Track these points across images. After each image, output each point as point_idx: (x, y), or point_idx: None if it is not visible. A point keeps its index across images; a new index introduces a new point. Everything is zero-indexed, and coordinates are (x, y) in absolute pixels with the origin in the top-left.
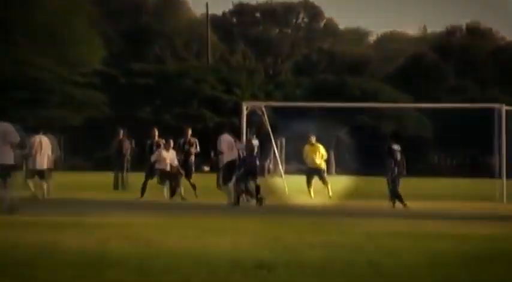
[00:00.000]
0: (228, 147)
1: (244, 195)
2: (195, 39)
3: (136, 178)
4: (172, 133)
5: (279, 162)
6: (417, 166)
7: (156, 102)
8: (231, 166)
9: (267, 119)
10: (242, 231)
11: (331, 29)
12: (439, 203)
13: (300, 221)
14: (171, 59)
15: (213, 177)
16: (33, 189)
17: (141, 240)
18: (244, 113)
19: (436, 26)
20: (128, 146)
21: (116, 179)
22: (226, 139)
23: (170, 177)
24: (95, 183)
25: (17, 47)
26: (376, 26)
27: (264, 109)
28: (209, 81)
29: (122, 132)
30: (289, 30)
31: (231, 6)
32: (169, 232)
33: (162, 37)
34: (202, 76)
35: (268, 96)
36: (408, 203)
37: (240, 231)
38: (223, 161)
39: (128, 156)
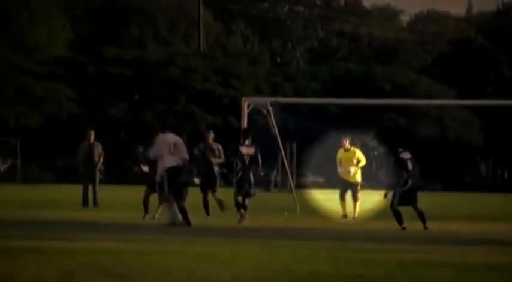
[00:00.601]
0: (170, 150)
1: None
2: (183, 18)
3: (109, 192)
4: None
5: (289, 174)
6: (462, 178)
7: (134, 98)
8: (172, 174)
9: (273, 119)
10: (241, 259)
11: (353, 7)
12: (486, 225)
13: (314, 248)
14: (153, 43)
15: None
16: None
17: (117, 271)
18: (245, 111)
19: (485, 3)
20: (99, 153)
21: (85, 193)
22: (166, 140)
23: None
24: (59, 198)
25: None
26: (410, 4)
27: (269, 106)
28: (201, 70)
29: (92, 134)
30: (302, 8)
31: None
32: (152, 260)
33: (142, 16)
34: (192, 65)
35: (275, 91)
36: (446, 223)
37: (238, 259)
38: (160, 168)
39: (99, 165)
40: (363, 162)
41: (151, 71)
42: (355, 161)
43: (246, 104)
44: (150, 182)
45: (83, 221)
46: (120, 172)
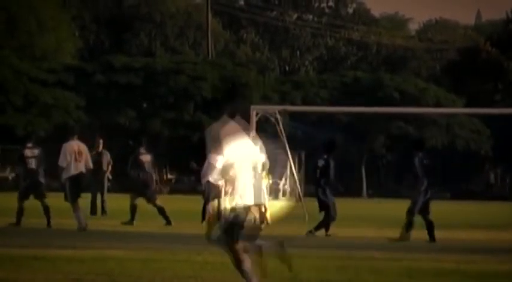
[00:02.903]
0: (75, 158)
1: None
2: (192, 26)
3: (117, 201)
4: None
5: (297, 182)
6: (470, 187)
7: (142, 106)
8: (75, 182)
9: (282, 128)
10: None
11: (362, 15)
12: (494, 233)
13: (323, 256)
14: (162, 51)
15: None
16: None
17: (124, 279)
18: (254, 119)
19: (494, 12)
20: (108, 161)
21: (94, 201)
22: (72, 147)
23: None
24: (66, 207)
25: None
26: (418, 12)
27: (278, 115)
28: (209, 79)
29: (101, 143)
30: (310, 17)
31: None
32: (160, 268)
33: (151, 24)
34: (201, 73)
35: (284, 99)
36: (455, 232)
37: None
38: (64, 176)
39: (108, 174)
40: None
41: (159, 79)
42: None
43: (254, 113)
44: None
45: (91, 229)
46: (129, 180)
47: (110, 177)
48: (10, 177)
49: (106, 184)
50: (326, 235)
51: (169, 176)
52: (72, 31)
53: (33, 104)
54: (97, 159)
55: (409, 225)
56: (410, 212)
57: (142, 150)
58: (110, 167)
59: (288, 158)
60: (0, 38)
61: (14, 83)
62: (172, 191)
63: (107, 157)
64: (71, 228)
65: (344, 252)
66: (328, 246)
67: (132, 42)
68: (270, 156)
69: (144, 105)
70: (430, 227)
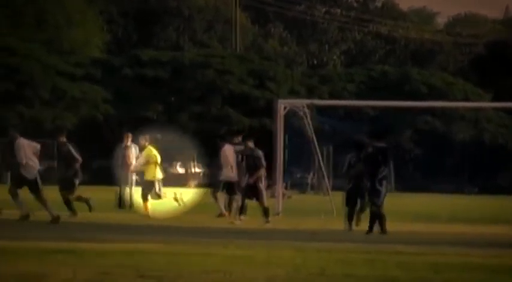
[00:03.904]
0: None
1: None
2: (220, 20)
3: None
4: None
5: (325, 176)
6: (498, 181)
7: (169, 99)
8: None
9: (309, 122)
10: (276, 262)
11: (390, 9)
12: None
13: (349, 249)
14: (190, 45)
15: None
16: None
17: (152, 272)
18: (281, 113)
19: None
20: (136, 155)
21: (121, 195)
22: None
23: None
24: (94, 200)
25: None
26: (446, 6)
27: (306, 109)
28: (236, 73)
29: (129, 137)
30: (339, 10)
31: None
32: (186, 262)
33: (179, 18)
34: (228, 67)
35: (311, 93)
36: (482, 226)
37: (273, 262)
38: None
39: (132, 169)
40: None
41: (187, 73)
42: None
43: (281, 107)
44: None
45: (118, 222)
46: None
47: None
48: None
49: (133, 178)
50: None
51: (196, 170)
52: (100, 25)
53: (60, 97)
54: (125, 153)
55: None
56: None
57: None
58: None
59: (316, 152)
60: (28, 32)
61: (41, 77)
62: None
63: (135, 151)
64: (98, 222)
65: (371, 247)
66: (355, 240)
67: (160, 36)
68: (295, 150)
69: (172, 99)
70: (374, 219)
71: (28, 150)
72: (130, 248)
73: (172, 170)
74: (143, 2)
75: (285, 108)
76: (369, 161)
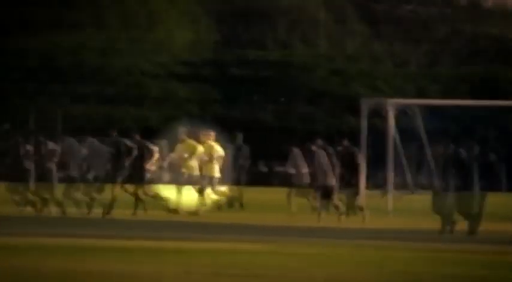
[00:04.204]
0: None
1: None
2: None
3: (253, 194)
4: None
5: (408, 175)
6: None
7: (278, 100)
8: None
9: (419, 122)
10: (361, 261)
11: (502, 8)
12: None
13: (434, 248)
14: (272, 44)
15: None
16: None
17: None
18: (391, 113)
19: None
20: (245, 155)
21: (231, 195)
22: None
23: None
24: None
25: (80, 29)
26: None
27: (415, 109)
28: (320, 71)
29: (241, 136)
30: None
31: None
32: (288, 262)
33: (287, 16)
34: (311, 65)
35: (396, 92)
36: None
37: (360, 261)
38: None
39: (245, 168)
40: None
41: (295, 73)
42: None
43: (391, 106)
44: None
45: (225, 222)
46: (263, 174)
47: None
48: None
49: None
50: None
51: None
52: (209, 25)
53: (169, 98)
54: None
55: None
56: None
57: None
58: (247, 161)
59: (427, 150)
60: (139, 33)
61: (148, 77)
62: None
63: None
64: (204, 221)
65: (463, 246)
66: (416, 239)
67: (267, 35)
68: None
69: (282, 99)
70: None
71: None
72: (236, 247)
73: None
74: (252, 1)
75: (394, 108)
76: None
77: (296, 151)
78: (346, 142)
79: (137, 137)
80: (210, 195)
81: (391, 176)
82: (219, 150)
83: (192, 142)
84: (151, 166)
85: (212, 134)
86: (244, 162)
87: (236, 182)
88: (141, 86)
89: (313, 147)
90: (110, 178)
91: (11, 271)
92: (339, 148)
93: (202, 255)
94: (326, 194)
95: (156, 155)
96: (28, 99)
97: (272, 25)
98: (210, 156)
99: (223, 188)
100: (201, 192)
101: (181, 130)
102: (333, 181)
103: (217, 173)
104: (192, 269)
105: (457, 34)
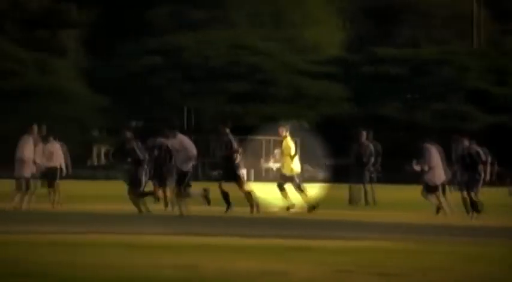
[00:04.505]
0: None
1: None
2: (458, 16)
3: (385, 192)
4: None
5: None
6: None
7: (407, 97)
8: None
9: None
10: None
11: None
12: None
13: None
14: (427, 41)
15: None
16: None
17: (391, 270)
18: None
19: None
20: (370, 153)
21: (353, 192)
22: None
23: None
24: (329, 197)
25: (233, 28)
26: None
27: None
28: (475, 69)
29: (363, 135)
30: None
31: None
32: (421, 260)
33: (415, 14)
34: (466, 63)
35: None
36: None
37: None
38: None
39: (369, 166)
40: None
41: (424, 70)
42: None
43: None
44: None
45: (347, 219)
46: (395, 172)
47: (372, 168)
48: (274, 168)
49: (367, 175)
50: None
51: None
52: (340, 23)
53: (300, 96)
54: (358, 151)
55: None
56: None
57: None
58: (372, 159)
59: None
60: (268, 31)
61: (281, 75)
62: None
63: (369, 149)
64: (330, 219)
65: None
66: None
67: (396, 32)
68: None
69: (409, 95)
70: None
71: None
72: (369, 245)
73: None
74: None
75: None
76: None
77: (429, 148)
78: (467, 141)
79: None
80: (296, 193)
81: None
82: (290, 146)
83: (287, 140)
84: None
85: (285, 128)
86: (376, 159)
87: (368, 180)
88: (273, 84)
89: (426, 145)
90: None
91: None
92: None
93: (338, 254)
94: (430, 190)
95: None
96: (182, 98)
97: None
98: (282, 153)
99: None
100: (281, 189)
101: (282, 127)
102: (441, 179)
103: (288, 170)
104: (327, 268)
105: None
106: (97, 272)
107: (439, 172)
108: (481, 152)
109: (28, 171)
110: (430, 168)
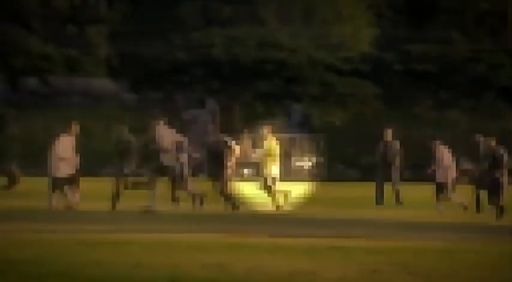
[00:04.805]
0: None
1: None
2: (492, 13)
3: (410, 190)
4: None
5: None
6: None
7: (438, 95)
8: None
9: None
10: None
11: None
12: None
13: None
14: (460, 38)
15: None
16: None
17: (421, 270)
18: None
19: None
20: (396, 151)
21: (378, 191)
22: None
23: None
24: (360, 196)
25: (262, 25)
26: None
27: None
28: (508, 67)
29: (389, 133)
30: None
31: None
32: (453, 260)
33: (448, 11)
34: (499, 61)
35: None
36: None
37: None
38: None
39: (395, 164)
40: None
41: (456, 67)
42: None
43: None
44: None
45: (375, 218)
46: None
47: (398, 166)
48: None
49: (395, 174)
50: None
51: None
52: (370, 19)
53: (329, 93)
54: (385, 149)
55: None
56: None
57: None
58: (397, 157)
59: None
60: (296, 27)
61: (309, 72)
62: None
63: (395, 147)
64: (359, 218)
65: None
66: None
67: (429, 30)
68: None
69: (441, 94)
70: None
71: None
72: (399, 245)
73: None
74: None
75: None
76: None
77: (437, 146)
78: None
79: None
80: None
81: None
82: (271, 146)
83: (269, 139)
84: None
85: (268, 127)
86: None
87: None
88: (301, 81)
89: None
90: None
91: None
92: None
93: (369, 253)
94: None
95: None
96: (209, 95)
97: (434, 19)
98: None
99: (282, 187)
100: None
101: (265, 126)
102: (445, 178)
103: (266, 171)
104: (358, 267)
105: None
106: (125, 272)
107: (448, 171)
108: (505, 156)
109: (65, 170)
110: (440, 167)
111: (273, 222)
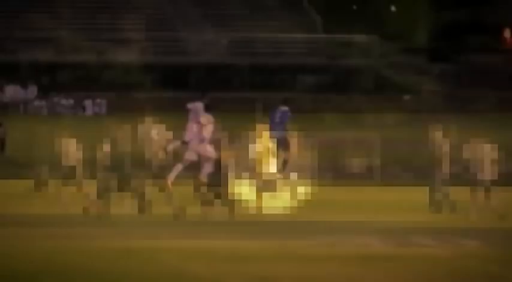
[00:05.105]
0: None
1: None
2: None
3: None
4: None
5: None
6: None
7: (497, 86)
8: None
9: None
10: None
11: None
12: None
13: None
14: None
15: None
16: None
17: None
18: None
19: None
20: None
21: (432, 194)
22: None
23: None
24: (410, 200)
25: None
26: None
27: None
28: None
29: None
30: None
31: None
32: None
33: (506, 1)
34: None
35: None
36: None
37: None
38: None
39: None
40: None
41: None
42: None
43: None
44: None
45: (429, 225)
46: None
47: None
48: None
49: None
50: None
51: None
52: (427, 10)
53: (383, 86)
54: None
55: None
56: None
57: None
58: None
59: None
60: (352, 18)
61: (363, 65)
62: None
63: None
64: (416, 225)
65: None
66: None
67: (487, 20)
68: None
69: (500, 85)
70: None
71: None
72: (447, 252)
73: None
74: None
75: None
76: None
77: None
78: None
79: None
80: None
81: None
82: (264, 144)
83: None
84: None
85: (261, 125)
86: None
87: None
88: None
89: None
90: None
91: None
92: None
93: (418, 261)
94: None
95: None
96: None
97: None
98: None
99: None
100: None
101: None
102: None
103: (261, 170)
104: (402, 276)
105: None
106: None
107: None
108: None
109: None
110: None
111: (318, 231)
